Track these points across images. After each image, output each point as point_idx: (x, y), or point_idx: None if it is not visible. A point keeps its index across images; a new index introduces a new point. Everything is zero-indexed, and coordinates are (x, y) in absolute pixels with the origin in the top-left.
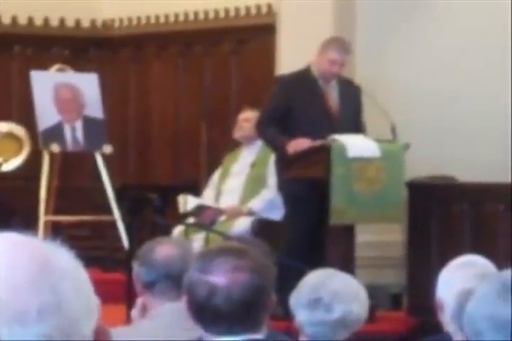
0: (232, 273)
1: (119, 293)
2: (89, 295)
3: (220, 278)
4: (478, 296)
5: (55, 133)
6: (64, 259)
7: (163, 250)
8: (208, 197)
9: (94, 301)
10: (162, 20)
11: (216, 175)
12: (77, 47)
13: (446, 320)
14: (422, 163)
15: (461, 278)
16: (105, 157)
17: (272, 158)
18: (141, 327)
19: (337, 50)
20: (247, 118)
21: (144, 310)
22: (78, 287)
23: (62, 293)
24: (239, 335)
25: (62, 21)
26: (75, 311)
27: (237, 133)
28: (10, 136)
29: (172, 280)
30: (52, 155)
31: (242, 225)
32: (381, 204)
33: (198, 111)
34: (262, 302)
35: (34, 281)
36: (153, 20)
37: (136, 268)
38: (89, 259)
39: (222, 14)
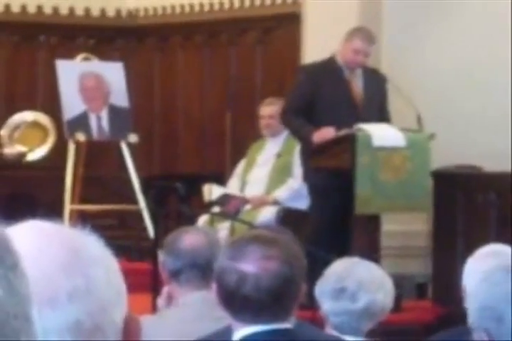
0: (263, 261)
1: (144, 283)
2: (119, 282)
3: (250, 265)
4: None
5: (81, 122)
6: (94, 246)
7: (189, 239)
8: (232, 187)
9: (124, 289)
10: (187, 9)
11: (241, 166)
12: (103, 36)
13: (469, 310)
14: (448, 153)
15: (486, 268)
16: (131, 146)
17: (297, 148)
18: (169, 316)
19: (361, 39)
20: (272, 115)
21: (170, 298)
22: (108, 273)
23: (93, 278)
24: (267, 324)
25: (87, 11)
26: (106, 297)
27: (266, 131)
28: (35, 125)
29: (198, 269)
30: (77, 144)
31: (267, 214)
32: (406, 193)
33: (223, 100)
34: (291, 291)
35: (65, 266)
36: (178, 10)
37: (162, 256)
38: (115, 249)
39: (247, 3)
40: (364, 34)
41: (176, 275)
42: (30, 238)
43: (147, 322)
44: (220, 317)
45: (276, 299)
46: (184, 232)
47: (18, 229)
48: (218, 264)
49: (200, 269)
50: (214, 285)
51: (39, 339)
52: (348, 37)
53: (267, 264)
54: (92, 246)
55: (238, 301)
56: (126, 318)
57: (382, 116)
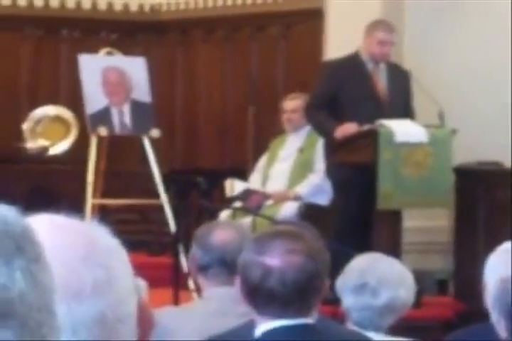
0: (287, 255)
1: (165, 277)
2: (131, 273)
3: (275, 260)
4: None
5: (103, 116)
6: (106, 237)
7: (220, 234)
8: (254, 182)
9: (135, 281)
10: (210, 4)
11: (263, 160)
12: (125, 31)
13: (489, 307)
14: (470, 149)
15: (506, 264)
16: (153, 141)
17: (320, 143)
18: (193, 309)
19: (383, 30)
20: (295, 109)
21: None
22: (123, 264)
23: (112, 270)
24: (290, 319)
25: (110, 5)
26: (124, 289)
27: (288, 126)
28: (58, 119)
29: (226, 265)
30: (99, 138)
31: (289, 209)
32: (428, 189)
33: (245, 95)
34: (315, 286)
35: (85, 258)
36: (200, 5)
37: (193, 249)
38: (136, 243)
39: None
40: (384, 24)
41: (203, 269)
42: (47, 230)
43: (171, 314)
44: (243, 313)
45: (300, 293)
46: (216, 227)
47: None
48: (242, 258)
49: (229, 266)
50: (238, 280)
51: (67, 333)
52: (369, 31)
53: (292, 258)
54: (105, 237)
55: (262, 295)
56: (139, 308)
57: (406, 112)
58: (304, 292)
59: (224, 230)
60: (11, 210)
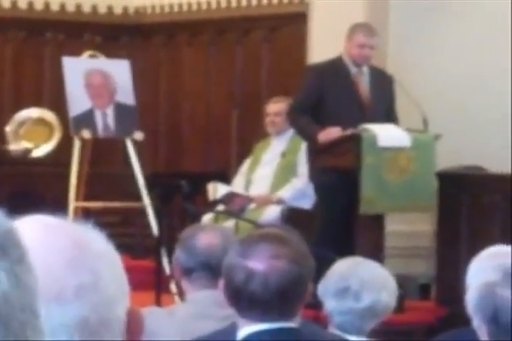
0: (271, 259)
1: (148, 280)
2: (122, 277)
3: (259, 263)
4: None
5: (86, 119)
6: (98, 241)
7: (205, 238)
8: (237, 186)
9: (126, 283)
10: (194, 7)
11: (246, 164)
12: (109, 34)
13: (470, 312)
14: (453, 154)
15: (488, 270)
16: (136, 143)
17: (303, 147)
18: (176, 311)
19: (364, 34)
20: (278, 112)
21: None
22: (113, 268)
23: (99, 273)
24: (273, 323)
25: (94, 8)
26: (111, 292)
27: (271, 129)
28: (41, 121)
29: (210, 269)
30: (83, 141)
31: (271, 213)
32: (411, 193)
33: (229, 99)
34: (299, 290)
35: (71, 261)
36: (185, 8)
37: (177, 252)
38: (119, 246)
39: (254, 2)
40: (364, 27)
41: (187, 272)
42: (35, 232)
43: (154, 315)
44: (226, 316)
45: (283, 298)
46: (201, 230)
47: (22, 223)
48: (227, 261)
49: (213, 270)
50: (221, 282)
51: (46, 335)
52: (350, 33)
53: (276, 263)
54: (97, 241)
55: (245, 298)
56: (128, 312)
57: (389, 116)
58: (287, 296)
59: (208, 234)
60: None
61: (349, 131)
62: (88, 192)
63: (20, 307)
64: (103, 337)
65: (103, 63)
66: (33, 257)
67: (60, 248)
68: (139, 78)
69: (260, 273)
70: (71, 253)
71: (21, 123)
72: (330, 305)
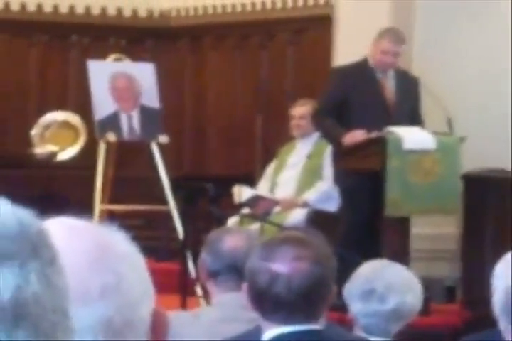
0: (294, 261)
1: (173, 283)
2: (146, 278)
3: (282, 266)
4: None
5: (112, 122)
6: (122, 242)
7: (231, 241)
8: (262, 189)
9: (151, 285)
10: (219, 10)
11: (271, 167)
12: (134, 37)
13: (496, 314)
14: (478, 156)
15: None
16: (161, 146)
17: (328, 150)
18: (202, 314)
19: (390, 40)
20: (303, 115)
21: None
22: (137, 270)
23: (122, 274)
24: (297, 325)
25: (119, 11)
26: (135, 293)
27: (296, 132)
28: (66, 125)
29: (236, 271)
30: (108, 144)
31: (297, 216)
32: (436, 196)
33: (254, 102)
34: (322, 292)
35: (95, 262)
36: (210, 11)
37: (203, 255)
38: (144, 249)
39: (279, 5)
40: (392, 34)
41: (213, 275)
42: (60, 234)
43: (180, 319)
44: (252, 319)
45: (307, 300)
46: (227, 233)
47: (47, 225)
48: (250, 264)
49: (238, 272)
50: (245, 285)
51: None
52: (377, 38)
53: (299, 265)
54: (120, 242)
55: (269, 301)
56: (153, 313)
57: (414, 119)
58: (310, 298)
59: (234, 236)
60: (26, 213)
61: (374, 134)
62: (113, 195)
63: (51, 309)
64: (127, 337)
65: (128, 66)
66: (60, 258)
67: (85, 249)
68: (164, 81)
69: (284, 275)
70: (94, 255)
71: (46, 127)
72: (355, 307)
